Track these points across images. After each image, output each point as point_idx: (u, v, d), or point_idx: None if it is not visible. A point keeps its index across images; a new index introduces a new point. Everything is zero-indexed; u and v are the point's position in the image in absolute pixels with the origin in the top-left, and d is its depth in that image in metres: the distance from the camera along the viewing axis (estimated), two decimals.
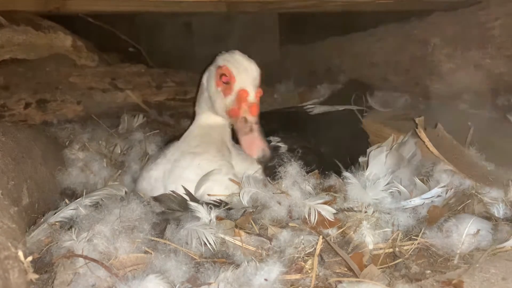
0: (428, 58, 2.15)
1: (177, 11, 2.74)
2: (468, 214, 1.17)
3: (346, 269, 0.99)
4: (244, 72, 1.28)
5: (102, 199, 1.24)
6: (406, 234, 1.11)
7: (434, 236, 1.06)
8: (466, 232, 1.03)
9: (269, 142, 1.39)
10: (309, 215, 1.13)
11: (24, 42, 2.22)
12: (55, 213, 1.16)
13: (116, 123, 2.06)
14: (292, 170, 1.25)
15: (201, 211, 1.12)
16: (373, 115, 2.04)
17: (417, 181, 1.29)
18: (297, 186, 1.21)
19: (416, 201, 1.21)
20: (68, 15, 2.52)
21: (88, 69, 2.40)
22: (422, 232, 1.07)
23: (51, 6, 2.21)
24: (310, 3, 2.41)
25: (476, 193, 1.25)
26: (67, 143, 1.76)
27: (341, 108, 1.91)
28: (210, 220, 1.11)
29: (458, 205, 1.23)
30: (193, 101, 1.49)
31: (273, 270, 0.91)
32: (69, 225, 1.11)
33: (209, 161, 1.30)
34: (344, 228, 1.11)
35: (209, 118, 1.39)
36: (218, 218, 1.13)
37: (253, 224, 1.13)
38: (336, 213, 1.14)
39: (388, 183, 1.22)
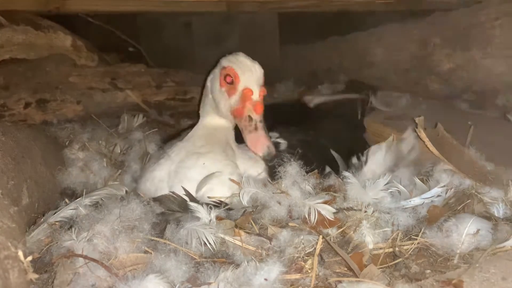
0: (428, 58, 2.15)
1: (177, 11, 2.74)
2: (468, 214, 1.17)
3: (346, 268, 0.99)
4: (248, 72, 1.30)
5: (102, 199, 1.24)
6: (406, 234, 1.11)
7: (434, 236, 1.06)
8: (466, 232, 1.03)
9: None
10: (309, 214, 1.13)
11: (24, 42, 2.21)
12: (55, 213, 1.16)
13: (116, 123, 2.05)
14: (292, 170, 1.25)
15: (201, 211, 1.12)
16: (373, 115, 2.04)
17: (417, 180, 1.29)
18: (297, 186, 1.21)
19: (416, 200, 1.21)
20: (68, 15, 2.52)
21: (88, 69, 2.40)
22: (422, 231, 1.07)
23: (51, 6, 2.21)
24: (310, 3, 2.41)
25: (476, 193, 1.25)
26: (67, 143, 1.76)
27: (339, 97, 1.92)
28: (210, 220, 1.11)
29: (458, 205, 1.22)
30: (198, 102, 1.50)
31: (273, 270, 0.91)
32: (69, 225, 1.11)
33: (214, 161, 1.30)
34: (344, 227, 1.11)
35: (213, 120, 1.41)
36: (218, 218, 1.13)
37: (253, 224, 1.13)
38: (336, 213, 1.14)
39: (387, 183, 1.22)
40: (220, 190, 1.26)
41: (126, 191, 1.36)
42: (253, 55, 1.35)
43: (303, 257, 1.00)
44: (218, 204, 1.21)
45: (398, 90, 2.33)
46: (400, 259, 1.01)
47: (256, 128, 1.29)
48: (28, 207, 1.16)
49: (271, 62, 2.96)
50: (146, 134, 1.85)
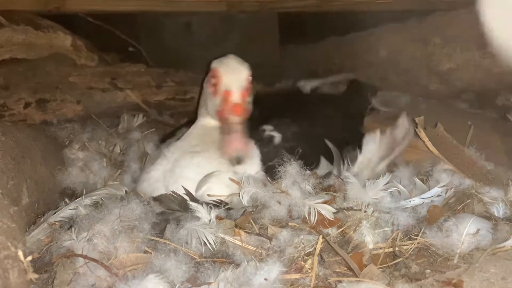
0: (428, 58, 2.15)
1: (177, 11, 2.74)
2: (468, 213, 1.17)
3: (346, 268, 0.99)
4: (230, 73, 1.29)
5: (102, 199, 1.24)
6: (406, 234, 1.11)
7: (434, 235, 1.06)
8: (466, 232, 1.03)
9: (262, 131, 1.41)
10: (309, 214, 1.13)
11: (24, 42, 2.21)
12: (55, 212, 1.16)
13: (116, 122, 2.05)
14: (292, 169, 1.25)
15: (201, 211, 1.12)
16: (373, 115, 2.04)
17: (417, 180, 1.29)
18: (296, 186, 1.21)
19: (415, 200, 1.21)
20: (68, 14, 2.51)
21: (87, 69, 2.40)
22: (422, 231, 1.07)
23: (51, 6, 2.21)
24: (310, 3, 2.41)
25: (476, 193, 1.25)
26: (67, 143, 1.76)
27: (334, 78, 1.92)
28: (210, 220, 1.11)
29: (458, 205, 1.23)
30: (196, 103, 1.50)
31: (273, 270, 0.91)
32: (69, 224, 1.11)
33: (208, 160, 1.30)
34: (344, 227, 1.11)
35: (210, 121, 1.41)
36: (218, 218, 1.13)
37: (253, 224, 1.13)
38: (336, 213, 1.14)
39: (387, 183, 1.22)
40: (219, 189, 1.26)
41: (126, 191, 1.36)
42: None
43: (303, 257, 1.00)
44: (218, 204, 1.21)
45: (398, 90, 2.33)
46: (400, 259, 1.02)
47: (233, 130, 1.25)
48: (28, 207, 1.16)
49: (271, 62, 2.96)
50: (144, 134, 1.85)
